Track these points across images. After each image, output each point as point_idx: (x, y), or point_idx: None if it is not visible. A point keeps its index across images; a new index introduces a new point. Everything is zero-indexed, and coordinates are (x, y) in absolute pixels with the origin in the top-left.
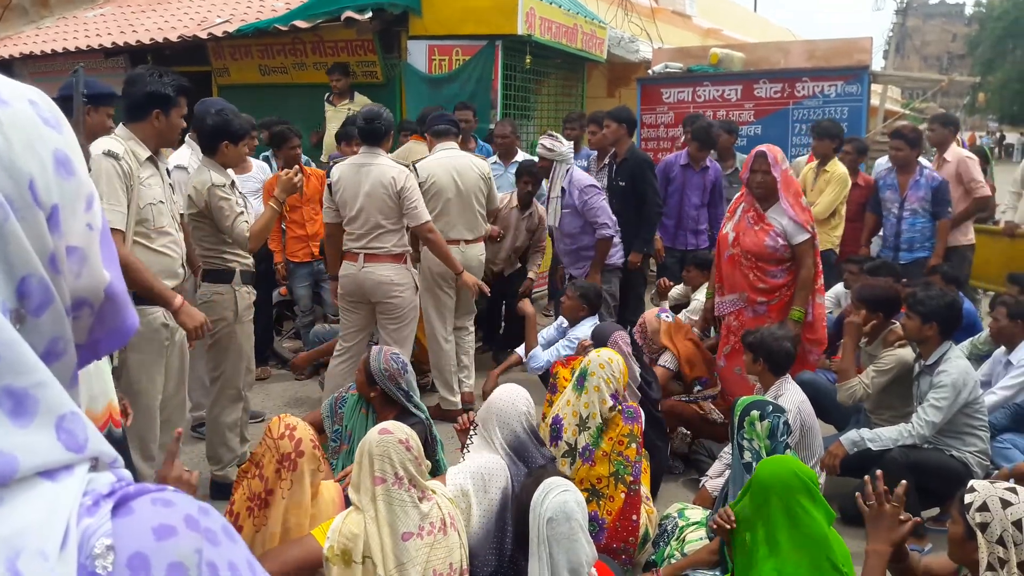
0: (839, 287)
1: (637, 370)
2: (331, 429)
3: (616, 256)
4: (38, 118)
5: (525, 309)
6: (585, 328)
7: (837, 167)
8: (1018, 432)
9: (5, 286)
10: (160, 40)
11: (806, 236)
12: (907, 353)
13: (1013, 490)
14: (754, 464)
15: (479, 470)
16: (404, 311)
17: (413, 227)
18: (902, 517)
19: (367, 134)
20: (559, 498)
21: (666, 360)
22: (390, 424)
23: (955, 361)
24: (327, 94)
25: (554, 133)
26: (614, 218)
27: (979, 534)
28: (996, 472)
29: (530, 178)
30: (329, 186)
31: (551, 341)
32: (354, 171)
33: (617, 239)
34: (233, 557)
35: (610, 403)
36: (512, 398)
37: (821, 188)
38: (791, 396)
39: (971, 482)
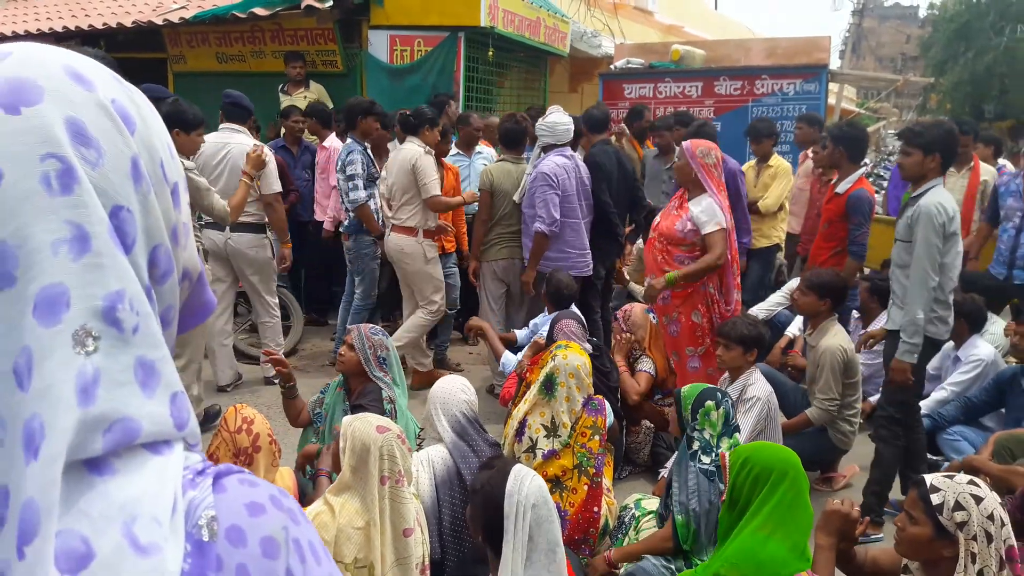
0: (794, 282)
1: (589, 348)
2: (314, 412)
3: (582, 267)
4: (150, 111)
5: (477, 324)
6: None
7: (780, 161)
8: (967, 425)
9: (143, 255)
10: (114, 25)
11: (715, 228)
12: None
13: (975, 483)
14: (700, 454)
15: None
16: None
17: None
18: (858, 521)
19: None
20: (535, 483)
21: (649, 367)
22: (380, 419)
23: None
24: (282, 84)
25: (558, 108)
26: (556, 217)
27: (959, 533)
28: (946, 464)
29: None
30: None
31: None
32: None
33: (581, 248)
34: (311, 537)
35: (579, 411)
36: (453, 388)
37: (766, 183)
38: (761, 386)
39: (928, 480)
